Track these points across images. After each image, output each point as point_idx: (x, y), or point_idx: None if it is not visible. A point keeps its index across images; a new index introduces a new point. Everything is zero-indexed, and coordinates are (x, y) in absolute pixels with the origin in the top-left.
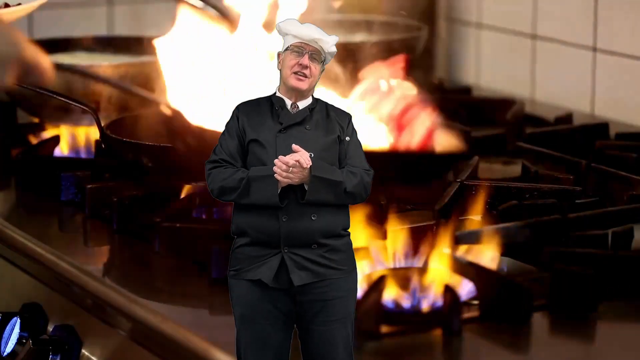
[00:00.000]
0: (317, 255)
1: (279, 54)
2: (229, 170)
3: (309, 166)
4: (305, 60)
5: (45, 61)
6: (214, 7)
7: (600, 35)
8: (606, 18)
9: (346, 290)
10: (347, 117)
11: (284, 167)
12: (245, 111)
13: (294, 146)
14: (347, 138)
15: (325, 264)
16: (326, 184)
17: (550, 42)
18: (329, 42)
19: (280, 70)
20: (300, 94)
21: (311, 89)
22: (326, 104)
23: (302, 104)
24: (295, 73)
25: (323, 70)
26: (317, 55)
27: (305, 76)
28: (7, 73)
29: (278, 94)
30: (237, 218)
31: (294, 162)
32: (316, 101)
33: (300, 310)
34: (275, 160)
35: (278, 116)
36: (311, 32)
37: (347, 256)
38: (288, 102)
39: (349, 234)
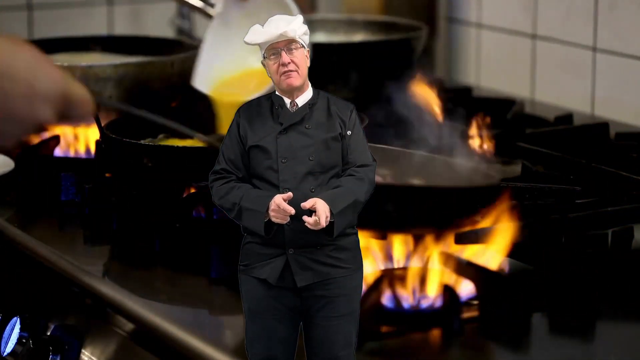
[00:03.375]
0: (322, 255)
1: (262, 64)
2: (226, 187)
3: (328, 217)
4: (285, 57)
5: (86, 95)
6: (214, 7)
7: (600, 35)
8: (606, 18)
9: (351, 288)
10: (349, 108)
11: (282, 215)
12: (246, 114)
13: (305, 204)
14: (349, 132)
15: (330, 263)
16: (348, 211)
17: (550, 42)
18: (296, 29)
19: (270, 77)
20: (297, 89)
21: (305, 79)
22: (328, 97)
23: (302, 100)
24: (283, 74)
25: (309, 50)
26: (292, 44)
27: (292, 71)
28: (50, 111)
29: (277, 93)
30: None
31: (314, 221)
32: (317, 94)
33: (304, 305)
34: (274, 206)
35: (278, 116)
36: (274, 29)
37: (354, 254)
38: (287, 101)
39: (356, 232)
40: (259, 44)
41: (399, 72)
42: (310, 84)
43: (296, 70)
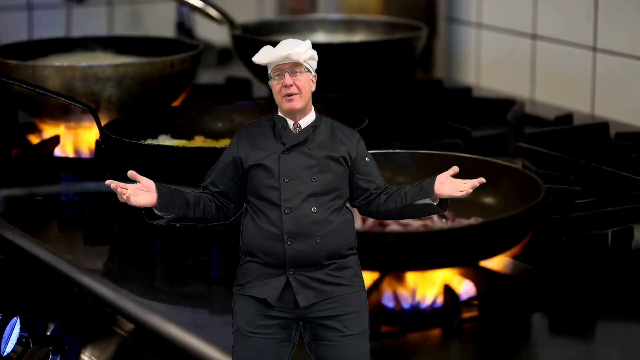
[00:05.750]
0: (323, 274)
1: (269, 84)
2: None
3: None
4: (287, 79)
5: None
6: (214, 7)
7: (600, 35)
8: (606, 18)
9: (359, 305)
10: (355, 136)
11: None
12: (247, 135)
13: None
14: (367, 159)
15: (332, 282)
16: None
17: (550, 42)
18: (300, 52)
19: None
20: (299, 112)
21: (307, 103)
22: (332, 122)
23: (305, 121)
24: (286, 96)
25: (315, 75)
26: (297, 67)
27: (294, 93)
28: None
29: (280, 114)
30: (244, 240)
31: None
32: (320, 118)
33: (312, 328)
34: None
35: (281, 137)
36: (280, 51)
37: (355, 272)
38: (290, 122)
39: (355, 253)
40: (265, 64)
41: (399, 72)
42: (313, 107)
43: (298, 94)
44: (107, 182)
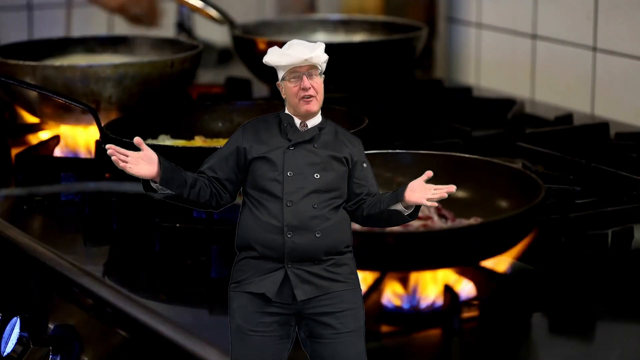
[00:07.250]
0: (321, 269)
1: (278, 85)
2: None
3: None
4: (306, 82)
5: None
6: (214, 7)
7: (600, 35)
8: (606, 18)
9: (355, 302)
10: (357, 141)
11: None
12: (252, 129)
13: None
14: (365, 165)
15: (329, 277)
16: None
17: (550, 42)
18: (320, 55)
19: (285, 98)
20: (313, 115)
21: (321, 105)
22: (335, 126)
23: (311, 122)
24: (302, 98)
25: (323, 76)
26: (314, 70)
27: (312, 96)
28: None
29: (287, 112)
30: (242, 233)
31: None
32: (325, 121)
33: (309, 325)
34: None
35: (287, 133)
36: (299, 54)
37: (352, 270)
38: (297, 121)
39: (351, 251)
40: (281, 66)
41: (399, 72)
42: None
43: (315, 96)
44: (107, 145)
